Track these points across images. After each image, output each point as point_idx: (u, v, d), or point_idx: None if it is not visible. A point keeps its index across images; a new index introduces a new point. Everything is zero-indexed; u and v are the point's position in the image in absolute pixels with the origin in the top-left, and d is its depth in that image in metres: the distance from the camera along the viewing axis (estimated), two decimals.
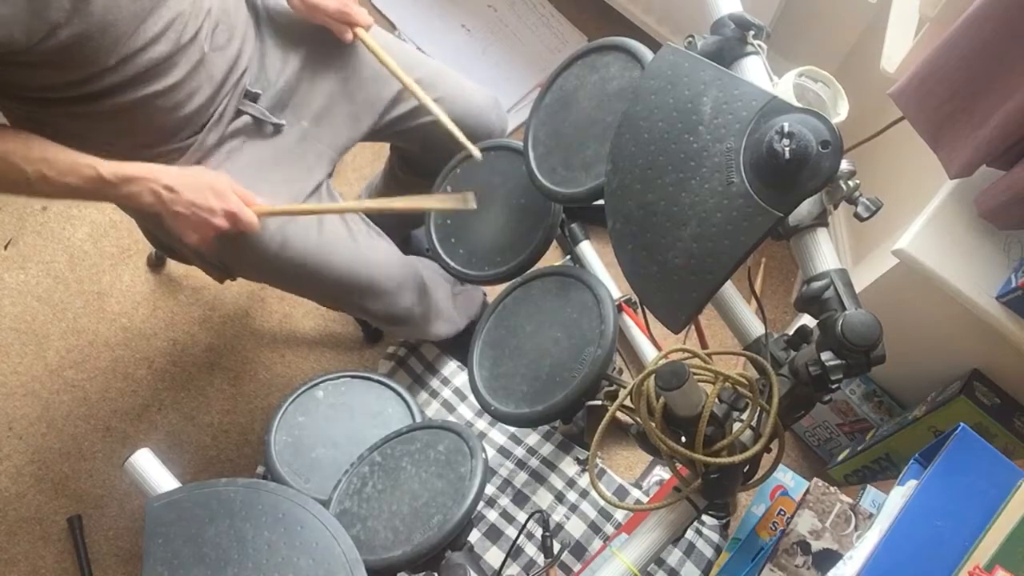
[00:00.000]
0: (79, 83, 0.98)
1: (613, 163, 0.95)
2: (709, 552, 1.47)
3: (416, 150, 1.45)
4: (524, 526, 1.20)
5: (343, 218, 1.25)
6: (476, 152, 1.20)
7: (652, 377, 0.87)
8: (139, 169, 1.02)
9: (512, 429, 1.60)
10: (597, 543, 1.48)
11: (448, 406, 1.63)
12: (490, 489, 1.53)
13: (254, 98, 1.17)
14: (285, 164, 1.20)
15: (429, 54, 1.41)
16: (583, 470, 1.56)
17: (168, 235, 1.27)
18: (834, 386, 0.83)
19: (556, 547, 1.46)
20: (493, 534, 1.49)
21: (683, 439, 0.89)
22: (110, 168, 1.00)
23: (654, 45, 0.98)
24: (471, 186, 1.24)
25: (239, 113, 1.16)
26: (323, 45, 1.22)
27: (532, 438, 1.60)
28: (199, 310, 1.76)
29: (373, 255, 1.27)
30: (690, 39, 0.99)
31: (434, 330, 1.46)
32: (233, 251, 1.16)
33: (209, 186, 1.05)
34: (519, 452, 1.57)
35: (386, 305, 1.31)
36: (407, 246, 1.68)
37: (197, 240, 1.07)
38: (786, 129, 0.79)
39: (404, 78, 1.19)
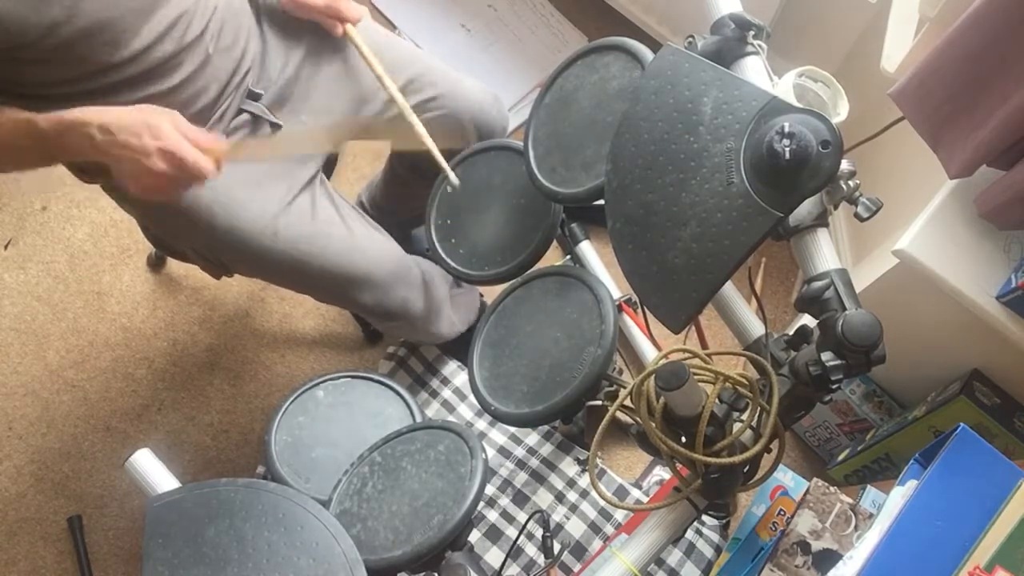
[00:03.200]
0: (81, 80, 0.97)
1: (613, 163, 0.95)
2: (709, 552, 1.47)
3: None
4: (524, 526, 1.20)
5: (337, 209, 1.25)
6: (453, 178, 1.19)
7: (652, 377, 0.87)
8: (74, 113, 0.91)
9: (512, 429, 1.60)
10: (597, 543, 1.48)
11: (448, 406, 1.63)
12: (490, 489, 1.53)
13: (256, 97, 1.17)
14: (281, 159, 1.20)
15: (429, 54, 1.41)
16: (583, 470, 1.56)
17: (166, 233, 1.27)
18: (834, 386, 0.83)
19: (556, 547, 1.46)
20: (493, 534, 1.49)
21: (683, 439, 0.89)
22: (46, 117, 0.90)
23: (654, 45, 0.98)
24: (471, 186, 1.24)
25: (239, 111, 1.16)
26: (323, 42, 1.22)
27: (532, 438, 1.60)
28: (199, 310, 1.76)
29: (367, 245, 1.27)
30: (690, 39, 0.99)
31: (433, 329, 1.45)
32: (223, 243, 1.16)
33: (145, 123, 0.92)
34: (519, 452, 1.57)
35: (380, 299, 1.30)
36: (407, 246, 1.67)
37: (139, 189, 0.95)
38: (786, 129, 0.79)
39: (384, 77, 1.17)
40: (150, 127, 0.92)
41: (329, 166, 1.33)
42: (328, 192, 1.27)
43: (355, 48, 1.20)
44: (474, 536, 1.46)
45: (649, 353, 1.60)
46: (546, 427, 1.60)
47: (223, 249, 1.19)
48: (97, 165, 0.96)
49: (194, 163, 0.93)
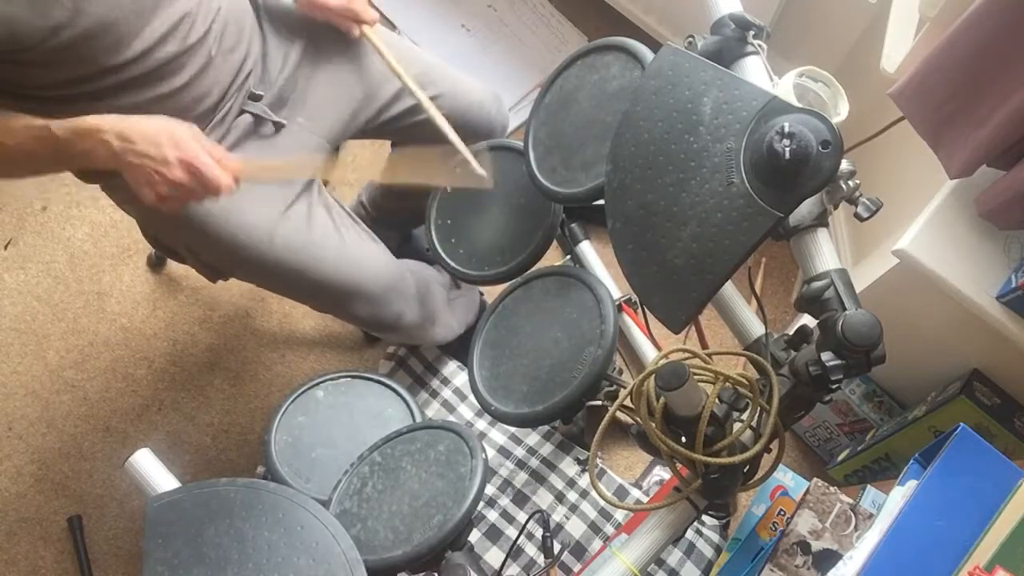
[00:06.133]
0: (83, 81, 0.97)
1: (613, 163, 0.95)
2: (709, 552, 1.47)
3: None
4: (524, 526, 1.20)
5: (332, 219, 1.25)
6: (477, 168, 1.16)
7: (652, 377, 0.87)
8: (91, 121, 0.92)
9: (512, 429, 1.60)
10: (597, 543, 1.48)
11: (448, 406, 1.63)
12: (490, 489, 1.53)
13: (257, 98, 1.17)
14: (291, 178, 1.20)
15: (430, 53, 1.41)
16: (583, 470, 1.56)
17: (167, 234, 1.27)
18: (834, 386, 0.83)
19: (556, 547, 1.46)
20: (493, 534, 1.49)
21: (683, 439, 0.89)
22: (61, 124, 0.91)
23: (654, 45, 0.98)
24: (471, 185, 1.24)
25: (240, 112, 1.16)
26: (322, 42, 1.22)
27: (532, 438, 1.60)
28: (199, 310, 1.76)
29: (361, 258, 1.26)
30: (690, 39, 0.99)
31: (429, 337, 1.45)
32: (220, 248, 1.16)
33: (167, 133, 0.93)
34: (519, 452, 1.57)
35: (374, 311, 1.29)
36: (407, 245, 1.67)
37: (152, 196, 0.94)
38: (786, 129, 0.79)
39: (405, 78, 1.19)
40: (171, 136, 0.92)
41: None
42: (325, 201, 1.26)
43: (373, 48, 1.20)
44: (474, 536, 1.46)
45: (649, 353, 1.60)
46: (546, 427, 1.60)
47: (219, 254, 1.19)
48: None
49: (212, 175, 0.94)
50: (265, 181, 1.14)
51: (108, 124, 0.92)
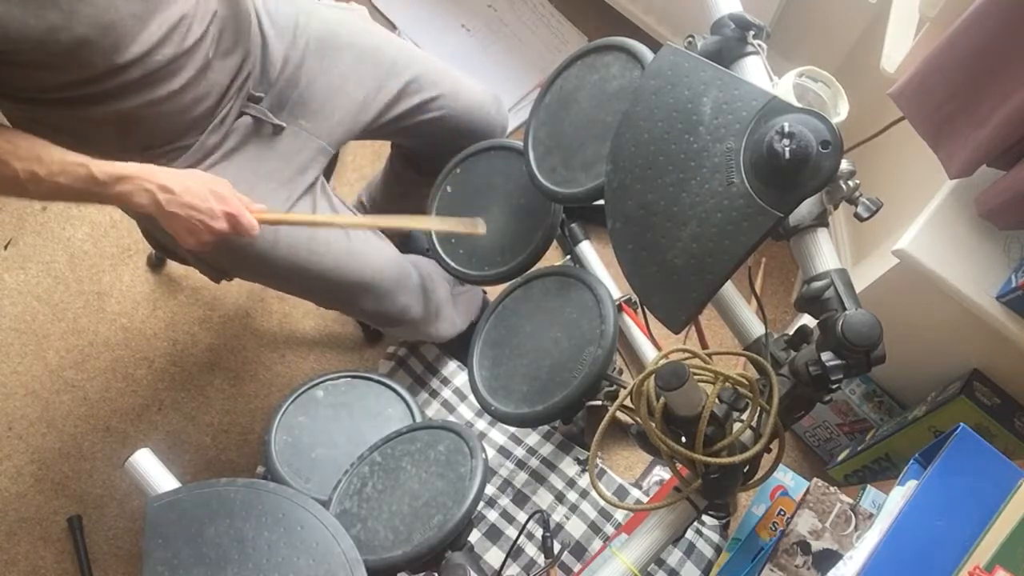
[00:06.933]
0: (80, 84, 0.97)
1: (613, 163, 0.95)
2: (709, 552, 1.47)
3: (417, 148, 1.45)
4: (524, 526, 1.20)
5: (337, 214, 1.25)
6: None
7: (652, 377, 0.87)
8: (132, 168, 0.99)
9: (512, 429, 1.60)
10: (597, 543, 1.48)
11: (448, 406, 1.63)
12: (490, 489, 1.53)
13: (257, 100, 1.17)
14: (282, 163, 1.20)
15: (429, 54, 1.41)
16: (583, 470, 1.56)
17: (166, 236, 1.27)
18: (834, 386, 0.83)
19: (556, 547, 1.46)
20: (493, 534, 1.49)
21: (683, 439, 0.89)
22: (101, 167, 0.97)
23: (654, 45, 0.98)
24: (472, 185, 1.24)
25: (240, 114, 1.16)
26: (323, 44, 1.22)
27: (532, 438, 1.60)
28: (199, 310, 1.76)
29: (367, 253, 1.27)
30: (690, 39, 1.00)
31: (433, 331, 1.45)
32: (225, 250, 1.16)
33: (209, 188, 1.02)
34: (519, 452, 1.57)
35: (381, 305, 1.30)
36: (407, 245, 1.68)
37: (194, 243, 1.04)
38: (786, 129, 0.79)
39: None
40: (215, 193, 1.02)
41: (329, 166, 1.33)
42: (328, 197, 1.26)
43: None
44: (474, 536, 1.46)
45: (649, 353, 1.60)
46: (546, 427, 1.60)
47: (223, 254, 1.19)
48: None
49: (249, 224, 1.04)
50: (289, 224, 1.18)
51: (149, 174, 1.00)
